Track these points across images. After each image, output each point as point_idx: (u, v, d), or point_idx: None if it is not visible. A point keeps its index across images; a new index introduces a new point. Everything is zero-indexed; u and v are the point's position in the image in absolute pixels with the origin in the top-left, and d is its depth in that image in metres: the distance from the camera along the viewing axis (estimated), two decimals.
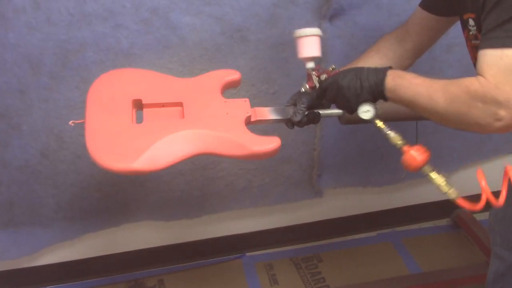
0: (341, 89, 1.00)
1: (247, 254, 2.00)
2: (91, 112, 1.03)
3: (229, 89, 1.15)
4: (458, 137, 1.94)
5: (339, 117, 1.18)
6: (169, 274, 1.92)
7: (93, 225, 1.76)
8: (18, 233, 1.68)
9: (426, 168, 0.92)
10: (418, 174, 2.10)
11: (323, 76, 1.08)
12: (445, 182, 0.91)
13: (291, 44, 1.54)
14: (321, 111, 1.11)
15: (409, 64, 1.25)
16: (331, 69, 1.10)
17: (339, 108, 1.05)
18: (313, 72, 1.10)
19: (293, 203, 1.93)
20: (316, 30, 1.09)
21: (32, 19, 1.34)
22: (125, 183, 1.68)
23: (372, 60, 1.23)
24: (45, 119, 1.49)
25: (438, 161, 1.97)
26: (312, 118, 1.10)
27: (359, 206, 2.04)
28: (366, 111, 1.00)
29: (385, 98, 0.98)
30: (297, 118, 1.08)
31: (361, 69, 1.01)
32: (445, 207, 2.10)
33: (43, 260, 1.81)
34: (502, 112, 0.80)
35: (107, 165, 0.97)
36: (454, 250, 2.01)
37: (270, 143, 1.01)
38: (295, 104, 1.15)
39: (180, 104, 1.06)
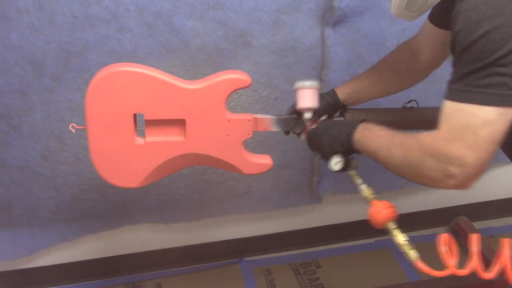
0: (319, 139, 1.06)
1: (245, 258, 2.00)
2: (92, 122, 1.04)
3: (232, 93, 1.15)
4: None
5: None
6: (167, 277, 1.92)
7: (92, 227, 1.75)
8: (17, 234, 1.68)
9: (391, 225, 0.93)
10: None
11: (314, 126, 1.13)
12: (406, 242, 0.91)
13: (294, 50, 1.55)
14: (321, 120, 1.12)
15: (423, 77, 1.22)
16: (321, 120, 1.15)
17: (321, 158, 1.09)
18: (308, 123, 1.14)
19: (292, 209, 1.93)
20: (312, 83, 1.13)
21: (35, 20, 1.34)
22: None
23: (386, 74, 1.22)
24: (46, 121, 1.49)
25: None
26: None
27: (358, 212, 2.03)
28: (336, 163, 1.03)
29: (354, 150, 1.00)
30: (297, 131, 1.13)
31: (338, 121, 1.08)
32: (444, 215, 2.10)
33: (41, 261, 1.80)
34: (454, 170, 0.76)
35: (113, 182, 1.10)
36: None
37: (261, 168, 1.15)
38: (295, 113, 1.16)
39: (182, 122, 1.06)
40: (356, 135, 0.99)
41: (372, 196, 0.99)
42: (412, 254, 0.89)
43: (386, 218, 0.92)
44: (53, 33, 1.37)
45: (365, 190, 1.01)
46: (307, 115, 1.14)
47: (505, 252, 0.82)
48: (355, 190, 1.98)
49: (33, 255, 1.76)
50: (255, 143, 1.67)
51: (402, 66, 1.21)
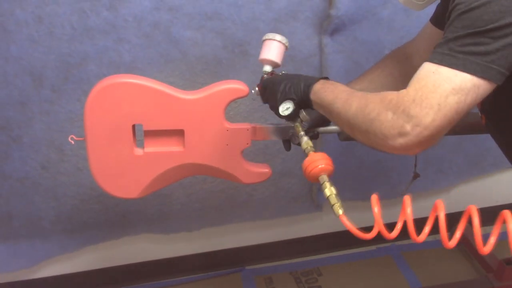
0: (274, 86, 1.02)
1: (247, 267, 1.99)
2: (91, 133, 1.05)
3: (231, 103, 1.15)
4: (459, 151, 1.94)
5: (338, 134, 1.19)
6: (168, 287, 1.91)
7: (93, 237, 1.75)
8: (17, 246, 1.68)
9: (323, 177, 0.88)
10: (418, 188, 2.10)
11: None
12: (334, 195, 0.86)
13: (292, 59, 1.56)
14: (320, 129, 1.12)
15: None
16: (280, 74, 1.11)
17: (270, 108, 1.06)
18: (265, 76, 1.11)
19: (293, 217, 1.93)
20: (282, 38, 1.10)
21: (35, 33, 1.35)
22: None
23: (378, 79, 1.20)
24: (46, 132, 1.49)
25: (439, 175, 1.98)
26: (310, 137, 1.11)
27: (359, 220, 2.02)
28: (286, 108, 1.00)
29: (309, 101, 0.97)
30: (296, 141, 1.09)
31: (300, 74, 1.03)
32: (446, 221, 2.10)
33: (42, 272, 1.80)
34: (408, 127, 0.74)
35: (112, 193, 1.10)
36: (454, 264, 2.00)
37: (260, 177, 1.15)
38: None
39: (181, 132, 1.07)
40: (315, 86, 0.96)
41: (311, 148, 0.96)
42: (336, 208, 0.85)
43: (320, 170, 0.87)
44: (52, 45, 1.38)
45: (305, 141, 0.98)
46: (267, 68, 1.11)
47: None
48: (355, 197, 1.99)
49: (34, 267, 1.76)
50: (255, 152, 1.67)
51: (395, 71, 1.20)
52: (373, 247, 2.08)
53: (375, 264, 2.01)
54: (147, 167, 1.09)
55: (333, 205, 0.86)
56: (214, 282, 1.94)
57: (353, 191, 1.91)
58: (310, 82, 0.98)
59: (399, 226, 0.81)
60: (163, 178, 1.12)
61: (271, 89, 1.04)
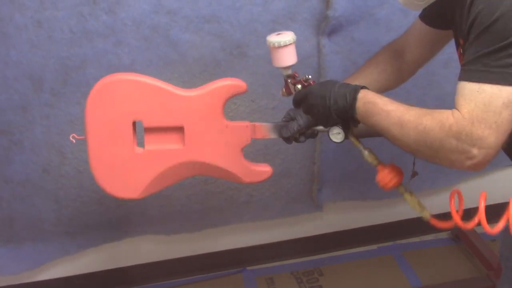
0: (312, 107, 1.01)
1: (248, 268, 2.00)
2: (92, 131, 1.05)
3: (230, 104, 1.16)
4: None
5: None
6: None
7: (94, 239, 1.76)
8: (19, 248, 1.69)
9: (401, 188, 0.93)
10: (418, 187, 2.10)
11: (298, 87, 1.07)
12: (417, 203, 0.93)
13: None
14: (318, 127, 1.12)
15: (408, 77, 1.23)
16: (305, 78, 1.08)
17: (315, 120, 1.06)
18: (290, 80, 1.09)
19: (293, 217, 1.93)
20: (288, 38, 1.04)
21: (34, 37, 1.36)
22: None
23: (371, 76, 1.21)
24: (47, 135, 1.50)
25: (439, 175, 1.98)
26: (309, 136, 1.11)
27: (359, 219, 2.04)
28: (336, 134, 1.01)
29: (356, 121, 0.98)
30: (285, 134, 1.09)
31: (332, 87, 0.98)
32: (446, 220, 2.10)
33: (44, 275, 1.81)
34: (475, 151, 0.78)
35: (113, 193, 1.10)
36: (455, 263, 2.00)
37: (261, 176, 1.14)
38: (293, 119, 1.16)
39: (181, 129, 1.07)
40: (358, 108, 0.93)
41: (376, 162, 0.97)
42: (426, 213, 0.95)
43: (393, 186, 0.94)
44: (51, 48, 1.38)
45: (368, 156, 0.99)
46: (287, 72, 1.09)
47: None
48: (355, 197, 1.98)
49: (36, 269, 1.77)
50: (255, 152, 1.68)
51: (388, 67, 1.21)
52: (374, 247, 2.08)
53: (376, 263, 2.01)
54: (148, 166, 1.09)
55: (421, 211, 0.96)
56: (215, 283, 1.94)
57: (353, 190, 1.91)
58: (349, 102, 0.95)
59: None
60: (163, 177, 1.12)
61: (309, 109, 1.02)
